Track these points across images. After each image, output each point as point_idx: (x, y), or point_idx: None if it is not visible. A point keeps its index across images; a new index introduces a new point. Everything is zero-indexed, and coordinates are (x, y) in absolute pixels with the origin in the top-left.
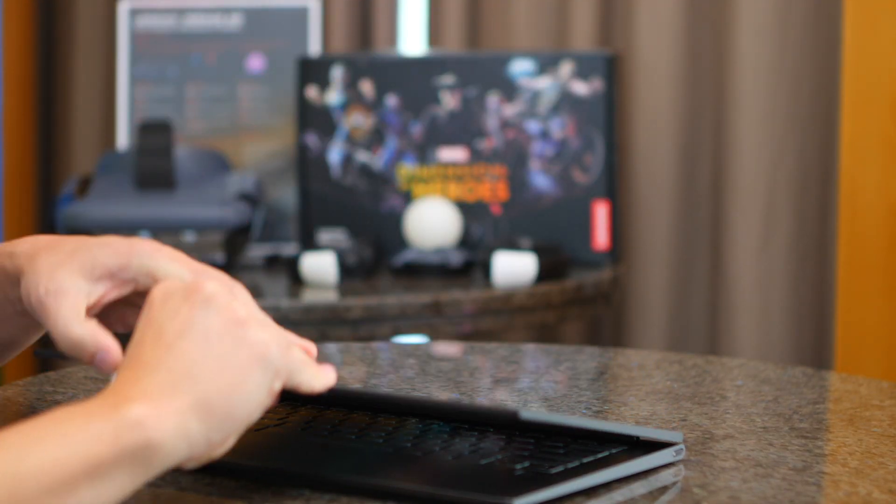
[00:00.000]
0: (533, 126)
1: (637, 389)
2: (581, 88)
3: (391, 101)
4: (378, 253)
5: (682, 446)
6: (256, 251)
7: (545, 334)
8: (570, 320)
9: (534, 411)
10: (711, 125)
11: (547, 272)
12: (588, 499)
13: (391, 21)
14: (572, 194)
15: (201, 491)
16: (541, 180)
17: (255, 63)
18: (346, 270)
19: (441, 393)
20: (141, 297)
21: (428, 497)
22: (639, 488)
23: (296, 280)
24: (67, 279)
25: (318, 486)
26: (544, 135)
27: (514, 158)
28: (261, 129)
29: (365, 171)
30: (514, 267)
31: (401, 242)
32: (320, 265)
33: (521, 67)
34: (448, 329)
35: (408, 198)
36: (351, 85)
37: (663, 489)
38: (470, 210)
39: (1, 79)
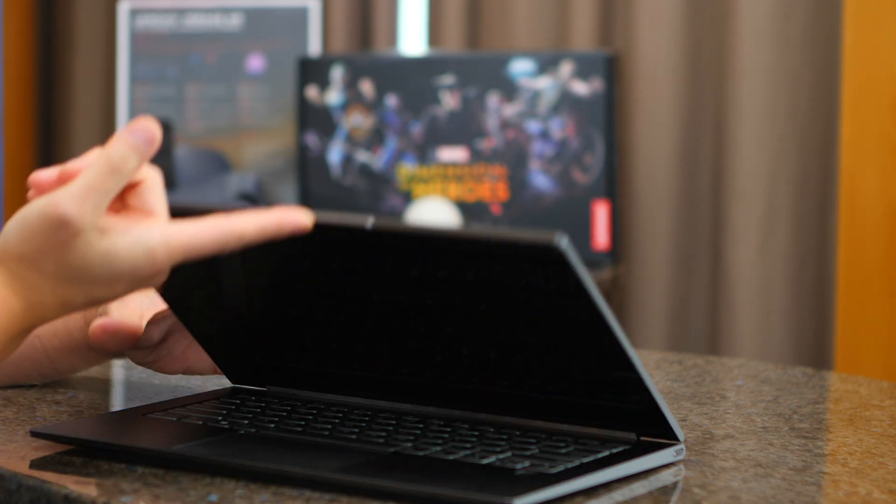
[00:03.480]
0: (533, 126)
1: None
2: (581, 88)
3: (391, 101)
4: None
5: (682, 446)
6: None
7: None
8: None
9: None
10: (711, 125)
11: None
12: (588, 499)
13: (391, 21)
14: (572, 194)
15: (201, 491)
16: (541, 180)
17: (255, 63)
18: None
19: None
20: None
21: (428, 497)
22: (639, 488)
23: None
24: None
25: (318, 486)
26: (544, 135)
27: (514, 158)
28: (261, 129)
29: (365, 171)
30: None
31: None
32: None
33: (521, 67)
34: None
35: (408, 198)
36: (351, 85)
37: (663, 489)
38: (470, 210)
39: (1, 79)
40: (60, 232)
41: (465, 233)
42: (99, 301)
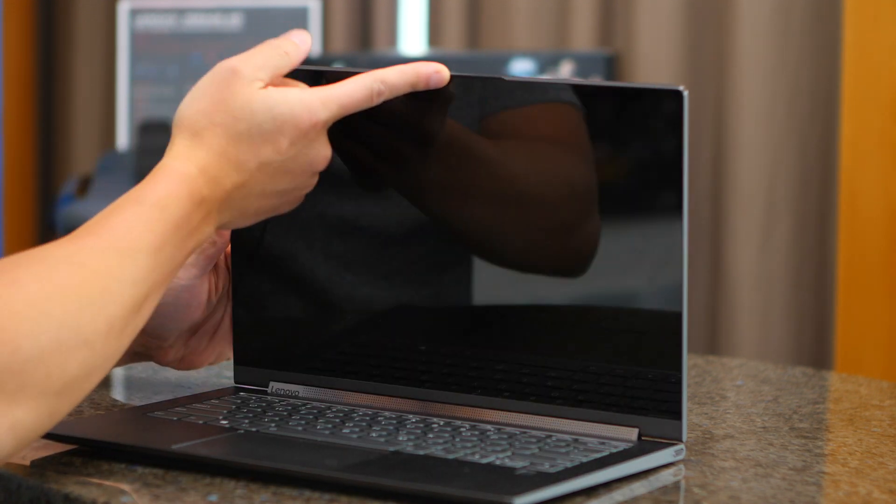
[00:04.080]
0: None
1: None
2: None
3: None
4: None
5: (682, 446)
6: None
7: None
8: None
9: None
10: (711, 125)
11: None
12: (588, 499)
13: (391, 21)
14: None
15: (201, 491)
16: None
17: None
18: None
19: None
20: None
21: (428, 497)
22: (639, 488)
23: None
24: None
25: (318, 486)
26: None
27: None
28: None
29: None
30: None
31: None
32: None
33: (521, 67)
34: None
35: None
36: None
37: (663, 489)
38: None
39: (1, 79)
40: (228, 77)
41: (593, 82)
42: (269, 165)
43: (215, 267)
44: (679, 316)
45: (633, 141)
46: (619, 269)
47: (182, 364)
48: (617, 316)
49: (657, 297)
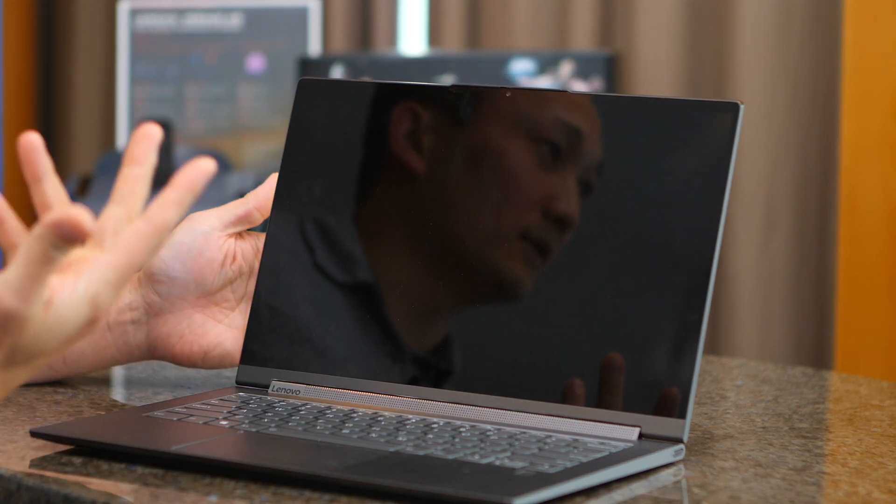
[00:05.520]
0: None
1: None
2: (581, 88)
3: None
4: None
5: (682, 446)
6: None
7: None
8: None
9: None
10: None
11: None
12: (588, 499)
13: (391, 21)
14: None
15: (201, 491)
16: None
17: (255, 63)
18: None
19: None
20: None
21: (428, 497)
22: (639, 488)
23: None
24: None
25: (318, 486)
26: None
27: None
28: (261, 129)
29: None
30: None
31: None
32: None
33: (521, 67)
34: None
35: None
36: None
37: (663, 489)
38: None
39: (1, 79)
40: (8, 326)
41: (650, 97)
42: (38, 367)
43: (242, 238)
44: (701, 313)
45: (679, 150)
46: (642, 264)
47: (182, 342)
48: (633, 309)
49: (679, 293)
